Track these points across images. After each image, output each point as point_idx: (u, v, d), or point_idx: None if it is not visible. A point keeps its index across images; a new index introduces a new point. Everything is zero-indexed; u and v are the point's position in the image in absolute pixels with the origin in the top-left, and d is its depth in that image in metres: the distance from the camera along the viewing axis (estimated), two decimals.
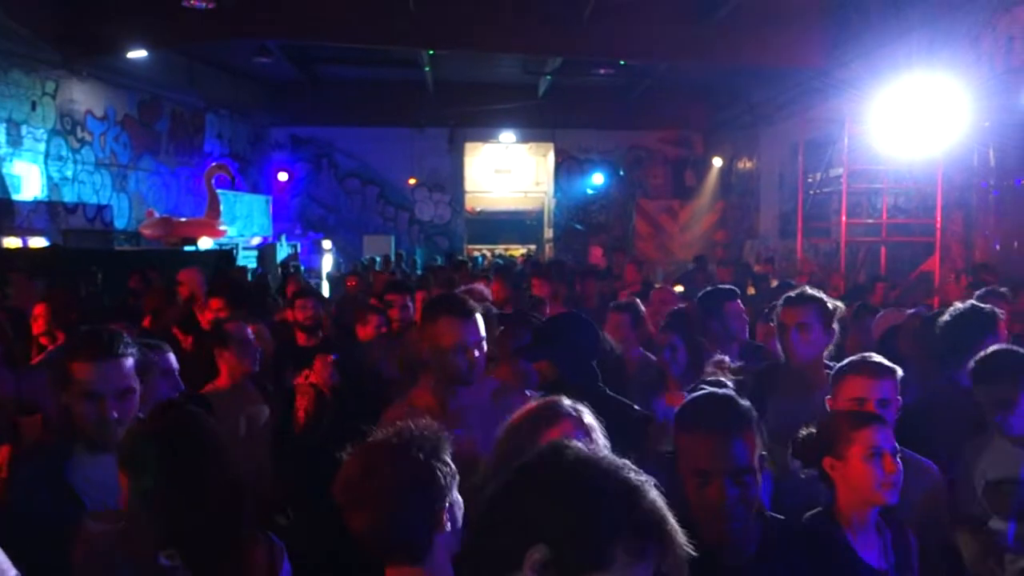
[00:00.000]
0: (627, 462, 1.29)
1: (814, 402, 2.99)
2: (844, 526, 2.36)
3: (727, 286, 4.89)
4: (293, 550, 2.22)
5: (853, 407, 2.73)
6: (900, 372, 2.85)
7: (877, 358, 2.90)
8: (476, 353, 2.91)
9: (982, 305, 3.65)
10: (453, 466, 1.90)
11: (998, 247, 10.53)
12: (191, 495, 1.97)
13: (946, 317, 3.61)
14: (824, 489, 2.46)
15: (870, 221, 12.81)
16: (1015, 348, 3.04)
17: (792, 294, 3.57)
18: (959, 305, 3.68)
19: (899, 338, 4.36)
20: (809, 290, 3.60)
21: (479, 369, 2.95)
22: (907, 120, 9.94)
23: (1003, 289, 5.11)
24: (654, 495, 1.24)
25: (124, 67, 14.52)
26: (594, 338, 3.33)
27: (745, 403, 2.09)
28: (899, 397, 2.83)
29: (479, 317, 2.96)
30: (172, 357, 3.29)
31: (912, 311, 5.03)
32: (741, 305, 4.53)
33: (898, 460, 2.38)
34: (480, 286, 5.79)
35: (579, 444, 1.32)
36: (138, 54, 14.01)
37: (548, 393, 2.96)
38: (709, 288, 4.89)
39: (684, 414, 2.11)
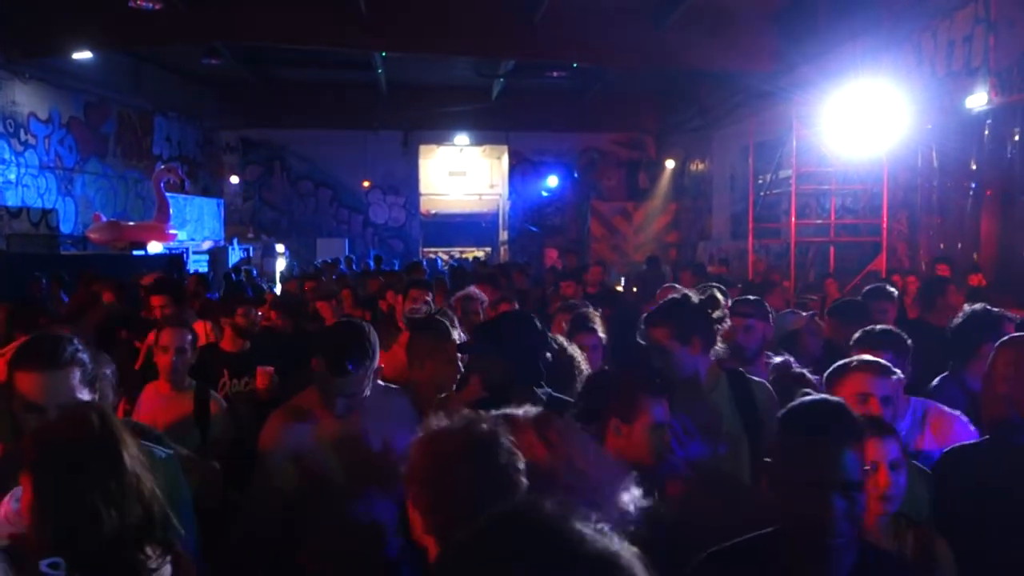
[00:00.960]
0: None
1: None
2: None
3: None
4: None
5: (855, 403, 2.74)
6: (900, 375, 2.92)
7: (880, 360, 2.96)
8: None
9: (991, 309, 3.72)
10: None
11: (942, 246, 10.79)
12: (83, 501, 1.86)
13: (956, 320, 3.71)
14: None
15: (819, 221, 13.05)
16: None
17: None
18: (968, 307, 3.76)
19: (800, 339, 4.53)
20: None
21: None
22: (853, 122, 10.16)
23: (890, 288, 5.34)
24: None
25: (69, 68, 14.24)
26: (538, 337, 3.25)
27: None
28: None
29: None
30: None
31: (807, 314, 5.23)
32: None
33: (892, 473, 2.36)
34: (474, 289, 5.81)
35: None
36: (83, 55, 13.74)
37: (493, 393, 2.98)
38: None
39: (793, 419, 2.00)
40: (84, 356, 2.39)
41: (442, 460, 1.76)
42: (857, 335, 3.47)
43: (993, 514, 2.49)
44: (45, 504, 1.87)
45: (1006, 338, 2.89)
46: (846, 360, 2.99)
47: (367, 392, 3.00)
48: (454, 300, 5.68)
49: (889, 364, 2.92)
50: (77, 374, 2.34)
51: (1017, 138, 9.49)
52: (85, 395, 2.35)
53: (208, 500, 3.16)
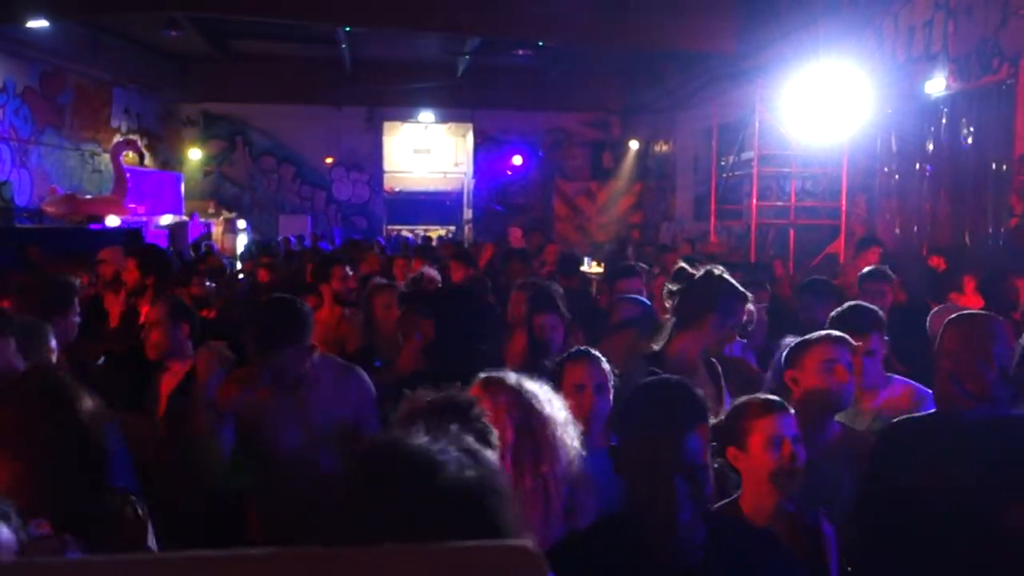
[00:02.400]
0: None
1: None
2: (751, 516, 2.32)
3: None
4: None
5: (823, 369, 2.90)
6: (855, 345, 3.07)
7: (838, 332, 3.11)
8: None
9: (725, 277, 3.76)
10: None
11: (898, 230, 10.98)
12: (54, 460, 1.91)
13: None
14: (735, 479, 2.46)
15: (779, 204, 13.20)
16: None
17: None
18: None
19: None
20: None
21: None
22: (814, 106, 10.27)
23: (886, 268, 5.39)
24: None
25: (24, 37, 13.89)
26: (474, 312, 3.36)
27: (699, 392, 2.01)
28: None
29: None
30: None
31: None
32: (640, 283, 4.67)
33: (800, 448, 2.38)
34: (431, 271, 5.83)
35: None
36: (39, 24, 13.40)
37: (425, 354, 3.08)
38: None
39: (635, 402, 2.00)
40: (16, 327, 2.48)
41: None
42: (834, 314, 3.58)
43: (932, 487, 2.57)
44: (20, 470, 1.89)
45: (953, 316, 2.97)
46: (803, 338, 3.08)
47: (308, 366, 3.04)
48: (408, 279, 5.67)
49: (846, 335, 3.04)
50: (13, 345, 2.43)
51: (974, 124, 9.66)
52: (19, 363, 2.44)
53: (144, 455, 3.17)
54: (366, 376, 3.25)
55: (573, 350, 2.97)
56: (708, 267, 3.52)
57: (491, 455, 1.75)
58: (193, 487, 3.09)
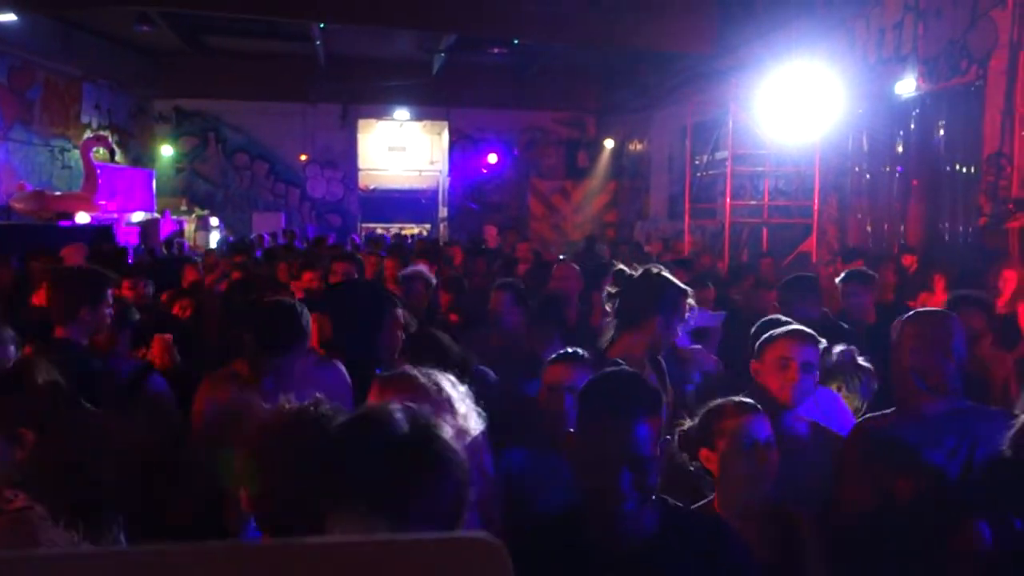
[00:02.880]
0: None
1: None
2: (727, 517, 2.30)
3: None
4: None
5: (777, 367, 2.90)
6: (824, 343, 3.05)
7: (806, 329, 3.09)
8: None
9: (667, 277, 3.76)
10: None
11: (869, 229, 11.10)
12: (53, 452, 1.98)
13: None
14: (709, 480, 2.46)
15: (753, 203, 13.30)
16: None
17: None
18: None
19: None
20: None
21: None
22: (787, 106, 10.36)
23: (870, 272, 5.40)
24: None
25: None
26: (369, 304, 3.42)
27: (652, 384, 2.00)
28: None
29: None
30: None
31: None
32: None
33: (772, 450, 2.38)
34: (421, 266, 5.82)
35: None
36: (7, 17, 13.20)
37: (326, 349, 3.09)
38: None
39: (585, 393, 1.98)
40: None
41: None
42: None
43: (901, 483, 2.60)
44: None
45: (910, 314, 3.01)
46: (773, 331, 3.11)
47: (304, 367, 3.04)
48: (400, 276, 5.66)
49: (813, 333, 3.04)
50: None
51: (943, 125, 9.78)
52: None
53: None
54: (342, 368, 3.24)
55: (560, 352, 2.97)
56: (647, 266, 3.54)
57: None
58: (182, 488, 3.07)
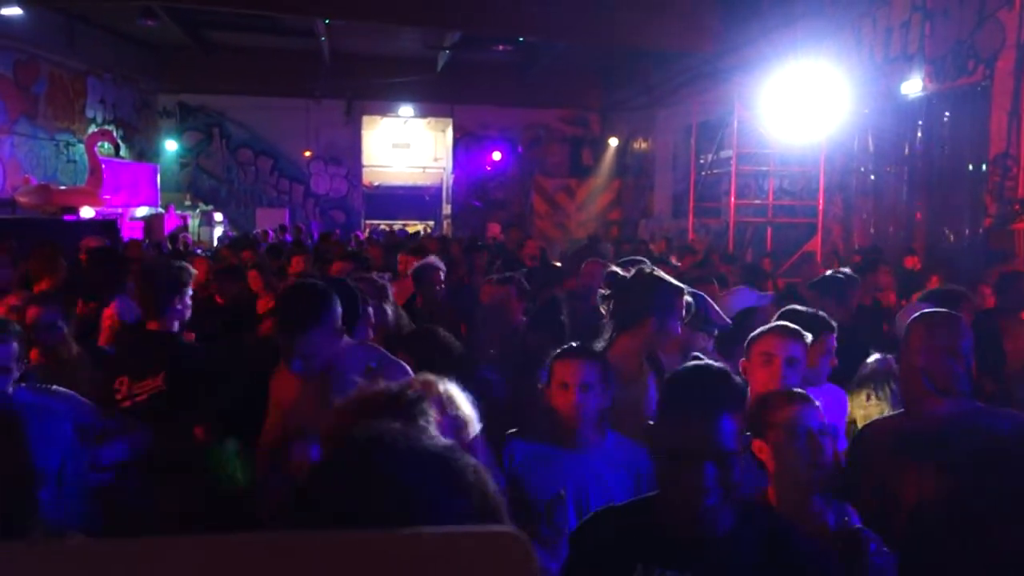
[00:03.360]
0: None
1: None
2: (780, 509, 2.30)
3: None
4: None
5: (761, 362, 2.91)
6: (810, 338, 3.02)
7: (790, 324, 3.08)
8: None
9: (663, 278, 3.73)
10: None
11: (873, 229, 11.08)
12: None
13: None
14: (760, 473, 2.43)
15: (757, 202, 13.28)
16: None
17: None
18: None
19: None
20: None
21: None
22: (793, 105, 10.35)
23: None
24: None
25: None
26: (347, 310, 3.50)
27: (739, 378, 1.97)
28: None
29: None
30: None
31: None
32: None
33: (821, 439, 2.36)
34: (434, 259, 5.84)
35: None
36: (12, 11, 13.22)
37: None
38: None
39: (670, 387, 1.97)
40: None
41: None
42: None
43: (909, 486, 2.59)
44: None
45: (919, 314, 3.00)
46: (760, 328, 3.11)
47: (337, 350, 3.01)
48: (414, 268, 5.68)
49: (799, 329, 3.02)
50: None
51: (949, 125, 9.77)
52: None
53: None
54: (408, 369, 3.17)
55: (564, 347, 2.95)
56: (639, 267, 3.52)
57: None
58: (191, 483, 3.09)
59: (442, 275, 5.54)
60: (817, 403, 2.48)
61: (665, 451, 1.87)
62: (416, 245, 8.33)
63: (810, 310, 3.60)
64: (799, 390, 2.56)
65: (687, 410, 1.85)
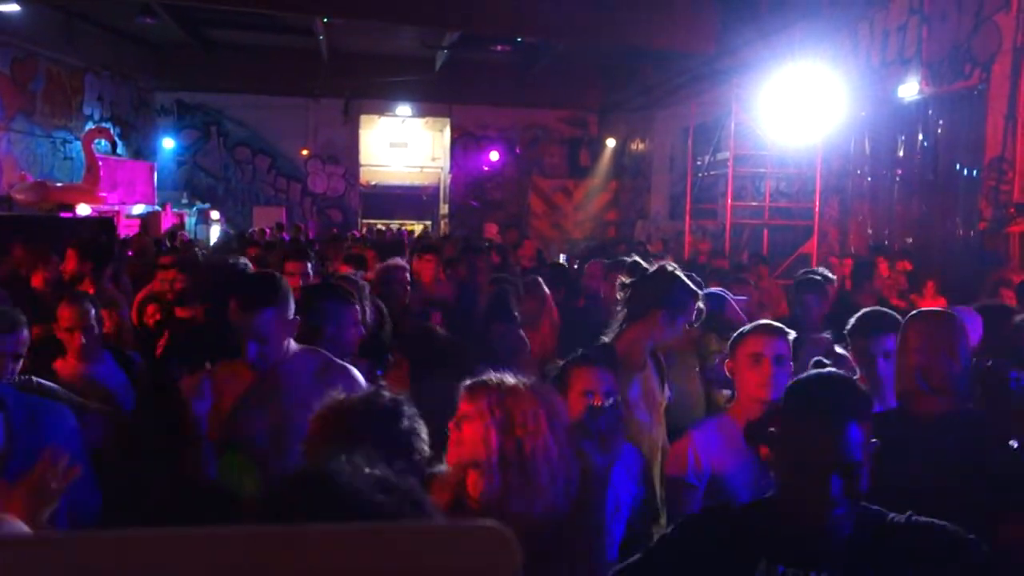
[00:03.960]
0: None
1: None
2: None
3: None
4: None
5: (750, 363, 2.89)
6: (793, 334, 3.01)
7: (771, 321, 3.11)
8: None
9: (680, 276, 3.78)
10: None
11: (870, 231, 11.10)
12: None
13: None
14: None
15: (754, 204, 13.30)
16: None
17: None
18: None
19: None
20: None
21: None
22: (789, 108, 10.37)
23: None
24: None
25: None
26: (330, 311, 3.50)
27: (863, 388, 1.93)
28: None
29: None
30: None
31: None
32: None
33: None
34: (400, 260, 5.80)
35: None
36: (10, 7, 13.20)
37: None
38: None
39: (793, 395, 1.92)
40: None
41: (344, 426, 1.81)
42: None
43: (896, 481, 2.60)
44: None
45: (915, 313, 3.02)
46: (740, 329, 3.11)
47: (289, 351, 3.00)
48: (378, 268, 5.60)
49: (781, 326, 3.03)
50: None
51: (945, 129, 9.79)
52: None
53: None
54: (357, 375, 3.16)
55: (579, 354, 2.95)
56: (662, 263, 3.55)
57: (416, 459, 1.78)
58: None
59: (408, 275, 5.47)
60: (780, 332, 2.62)
61: (790, 461, 1.84)
62: (426, 244, 8.34)
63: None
64: (772, 322, 2.70)
65: (814, 420, 1.81)
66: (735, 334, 3.09)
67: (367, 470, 1.16)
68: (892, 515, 1.99)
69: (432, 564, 0.61)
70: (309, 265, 5.18)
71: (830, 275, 5.66)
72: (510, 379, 2.19)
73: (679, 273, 3.45)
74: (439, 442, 2.20)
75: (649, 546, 2.00)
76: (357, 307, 3.69)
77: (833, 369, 2.04)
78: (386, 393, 1.92)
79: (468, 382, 2.22)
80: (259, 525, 1.06)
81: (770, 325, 3.05)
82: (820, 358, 2.11)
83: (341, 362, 3.13)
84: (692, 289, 3.41)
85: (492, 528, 0.62)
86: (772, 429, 1.97)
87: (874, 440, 1.83)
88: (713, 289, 4.33)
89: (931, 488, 2.55)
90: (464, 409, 2.12)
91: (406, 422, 1.84)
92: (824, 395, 1.85)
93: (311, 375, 2.96)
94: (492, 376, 2.20)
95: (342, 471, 1.15)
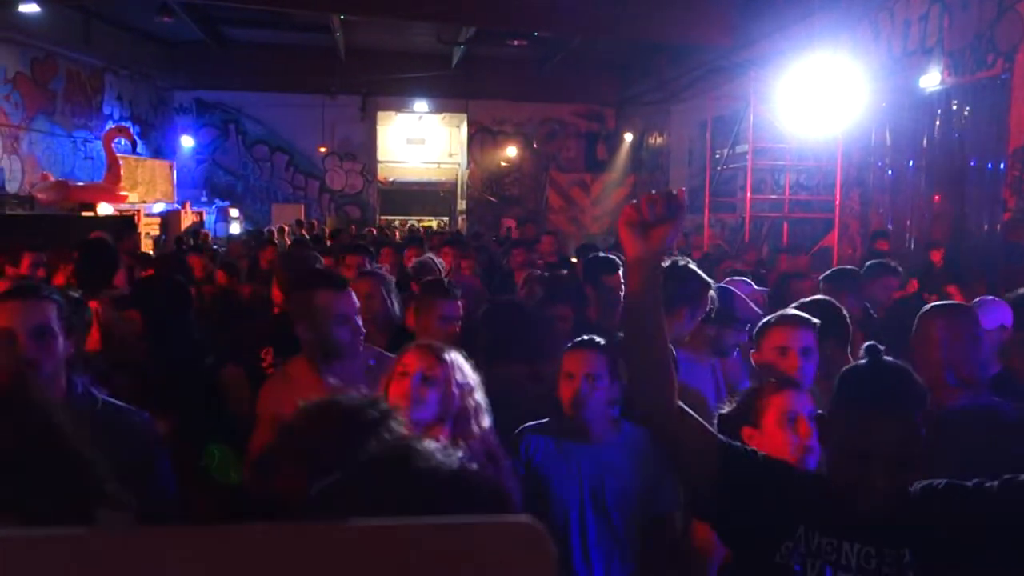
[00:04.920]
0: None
1: None
2: None
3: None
4: None
5: (776, 356, 2.84)
6: (818, 323, 2.96)
7: (797, 311, 3.03)
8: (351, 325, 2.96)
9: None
10: None
11: (891, 225, 11.00)
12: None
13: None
14: None
15: (773, 197, 13.21)
16: None
17: None
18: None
19: None
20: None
21: (356, 341, 2.99)
22: (809, 99, 10.28)
23: (893, 263, 5.33)
24: None
25: (15, 22, 13.79)
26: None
27: (918, 378, 1.91)
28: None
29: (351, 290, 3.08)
30: None
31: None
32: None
33: (813, 424, 2.34)
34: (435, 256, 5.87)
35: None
36: (30, 8, 13.32)
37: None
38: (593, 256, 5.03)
39: (846, 383, 1.92)
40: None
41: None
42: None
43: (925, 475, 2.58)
44: None
45: (931, 307, 2.98)
46: (765, 319, 3.08)
47: (360, 358, 3.02)
48: (415, 263, 5.67)
49: (808, 316, 2.97)
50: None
51: (968, 119, 9.68)
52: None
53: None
54: None
55: (576, 340, 2.95)
56: (674, 257, 3.54)
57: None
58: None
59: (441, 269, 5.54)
60: (807, 389, 2.49)
61: (842, 448, 1.85)
62: (445, 238, 8.36)
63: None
64: (789, 376, 2.57)
65: (868, 409, 1.82)
66: (760, 324, 3.06)
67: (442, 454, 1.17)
68: (925, 483, 1.99)
69: (467, 559, 0.60)
70: (367, 260, 5.32)
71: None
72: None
73: (693, 266, 3.45)
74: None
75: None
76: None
77: (887, 358, 2.02)
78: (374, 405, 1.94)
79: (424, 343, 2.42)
80: (307, 520, 1.06)
81: (796, 316, 2.99)
82: (874, 343, 2.07)
83: (390, 355, 3.16)
84: (707, 281, 3.41)
85: (526, 523, 0.61)
86: (820, 412, 1.97)
87: (922, 431, 1.81)
88: (722, 283, 4.31)
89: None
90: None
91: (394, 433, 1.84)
92: (878, 384, 1.85)
93: (363, 371, 2.96)
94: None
95: (422, 452, 1.16)
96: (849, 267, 5.08)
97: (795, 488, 1.94)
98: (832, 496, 1.87)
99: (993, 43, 9.10)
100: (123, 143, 15.46)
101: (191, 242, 12.84)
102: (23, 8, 13.21)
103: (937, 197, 10.25)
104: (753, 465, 1.97)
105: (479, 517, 0.62)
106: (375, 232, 16.20)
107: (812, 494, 1.91)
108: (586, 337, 2.95)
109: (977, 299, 3.81)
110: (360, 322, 3.01)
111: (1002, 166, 9.04)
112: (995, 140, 9.16)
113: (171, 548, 0.59)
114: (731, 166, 13.93)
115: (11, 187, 14.23)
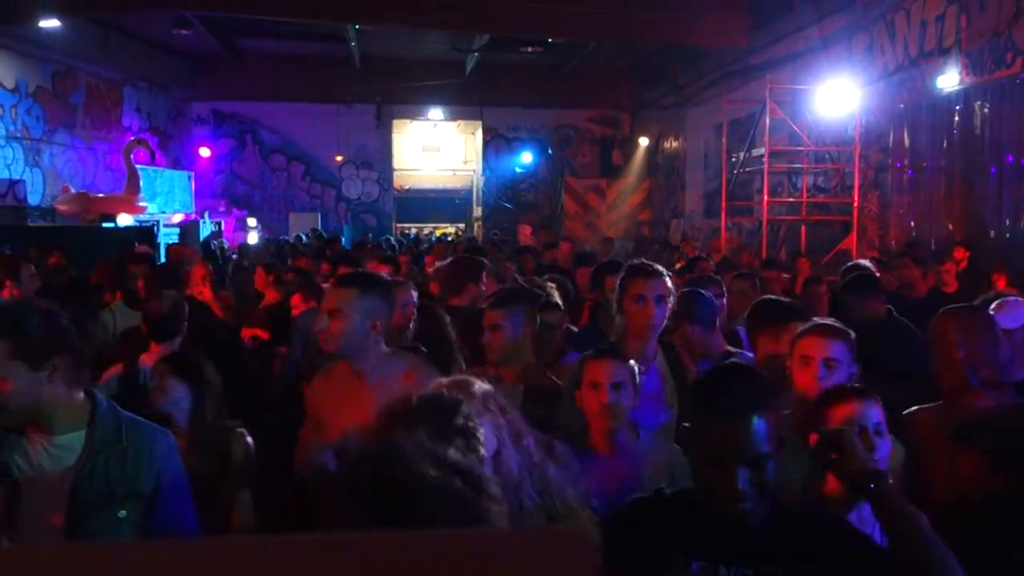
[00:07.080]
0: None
1: None
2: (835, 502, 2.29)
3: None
4: None
5: (800, 364, 2.81)
6: (853, 335, 2.90)
7: (832, 321, 2.99)
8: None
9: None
10: None
11: (912, 225, 10.93)
12: None
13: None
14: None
15: (790, 200, 13.16)
16: None
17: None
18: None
19: None
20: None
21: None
22: (826, 102, 10.25)
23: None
24: None
25: (35, 37, 13.94)
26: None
27: (766, 378, 1.95)
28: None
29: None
30: None
31: None
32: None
33: (876, 437, 2.34)
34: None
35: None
36: (50, 23, 13.46)
37: None
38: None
39: (700, 389, 1.94)
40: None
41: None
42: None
43: (945, 476, 2.57)
44: None
45: (944, 310, 2.97)
46: (803, 327, 3.05)
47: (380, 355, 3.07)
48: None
49: (843, 327, 2.92)
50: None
51: (987, 119, 9.61)
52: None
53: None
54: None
55: (595, 348, 2.95)
56: (695, 257, 3.58)
57: (472, 457, 1.79)
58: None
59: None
60: (876, 400, 2.44)
61: (699, 454, 1.87)
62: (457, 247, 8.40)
63: None
64: (857, 386, 2.51)
65: (718, 413, 1.82)
66: (796, 334, 2.99)
67: (427, 449, 1.18)
68: (798, 508, 2.00)
69: (512, 568, 0.61)
70: (392, 270, 5.73)
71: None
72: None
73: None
74: None
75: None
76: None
77: (737, 360, 2.02)
78: (446, 391, 1.96)
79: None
80: (334, 528, 1.08)
81: (825, 326, 2.93)
82: (728, 347, 2.08)
83: (427, 366, 3.19)
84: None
85: (573, 531, 0.62)
86: (686, 424, 1.99)
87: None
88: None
89: (985, 481, 2.50)
90: None
91: (461, 420, 1.84)
92: (726, 388, 1.85)
93: (398, 378, 2.98)
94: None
95: (404, 448, 1.17)
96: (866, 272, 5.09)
97: (672, 512, 1.93)
98: (706, 515, 1.86)
99: (1012, 42, 9.03)
100: (142, 154, 15.58)
101: (218, 253, 12.93)
102: (43, 23, 13.35)
103: (957, 198, 10.18)
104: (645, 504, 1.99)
105: (527, 527, 0.63)
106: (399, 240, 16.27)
107: (688, 516, 1.90)
108: (603, 346, 2.95)
109: (1000, 299, 3.77)
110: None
111: (1022, 165, 8.97)
112: (1015, 139, 9.08)
113: (218, 559, 0.60)
114: (748, 169, 13.88)
115: (33, 199, 14.37)
